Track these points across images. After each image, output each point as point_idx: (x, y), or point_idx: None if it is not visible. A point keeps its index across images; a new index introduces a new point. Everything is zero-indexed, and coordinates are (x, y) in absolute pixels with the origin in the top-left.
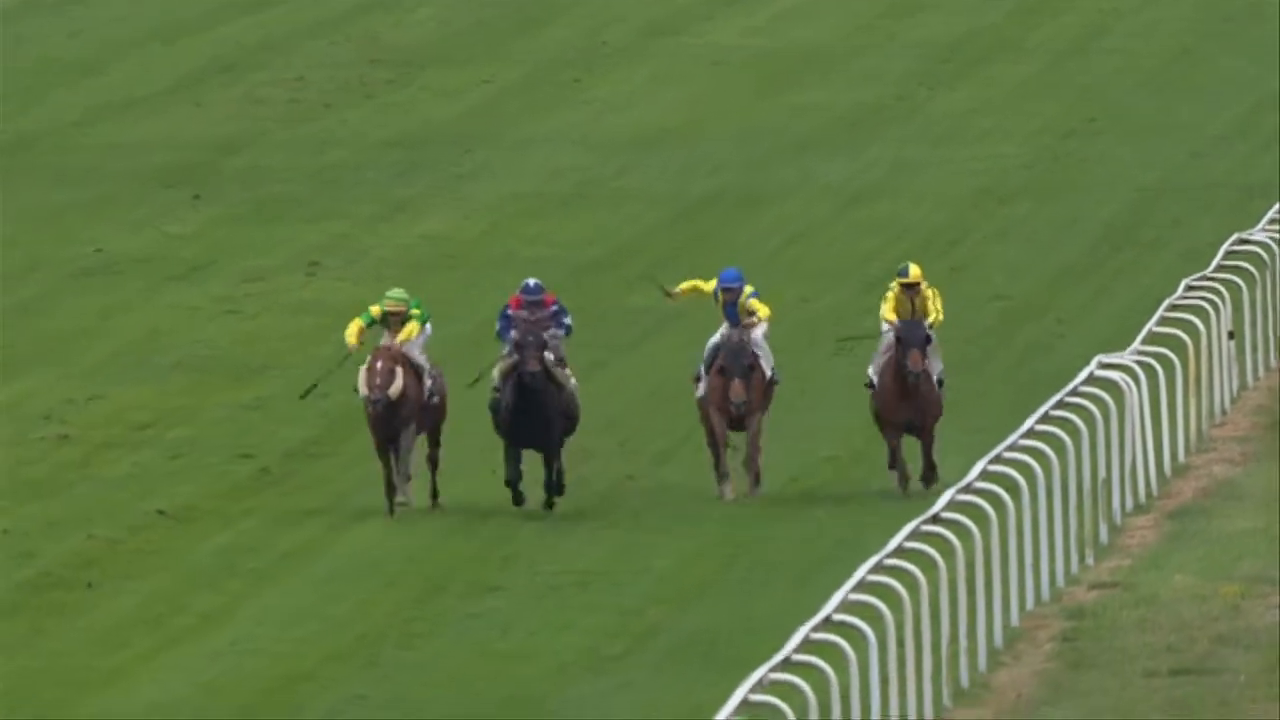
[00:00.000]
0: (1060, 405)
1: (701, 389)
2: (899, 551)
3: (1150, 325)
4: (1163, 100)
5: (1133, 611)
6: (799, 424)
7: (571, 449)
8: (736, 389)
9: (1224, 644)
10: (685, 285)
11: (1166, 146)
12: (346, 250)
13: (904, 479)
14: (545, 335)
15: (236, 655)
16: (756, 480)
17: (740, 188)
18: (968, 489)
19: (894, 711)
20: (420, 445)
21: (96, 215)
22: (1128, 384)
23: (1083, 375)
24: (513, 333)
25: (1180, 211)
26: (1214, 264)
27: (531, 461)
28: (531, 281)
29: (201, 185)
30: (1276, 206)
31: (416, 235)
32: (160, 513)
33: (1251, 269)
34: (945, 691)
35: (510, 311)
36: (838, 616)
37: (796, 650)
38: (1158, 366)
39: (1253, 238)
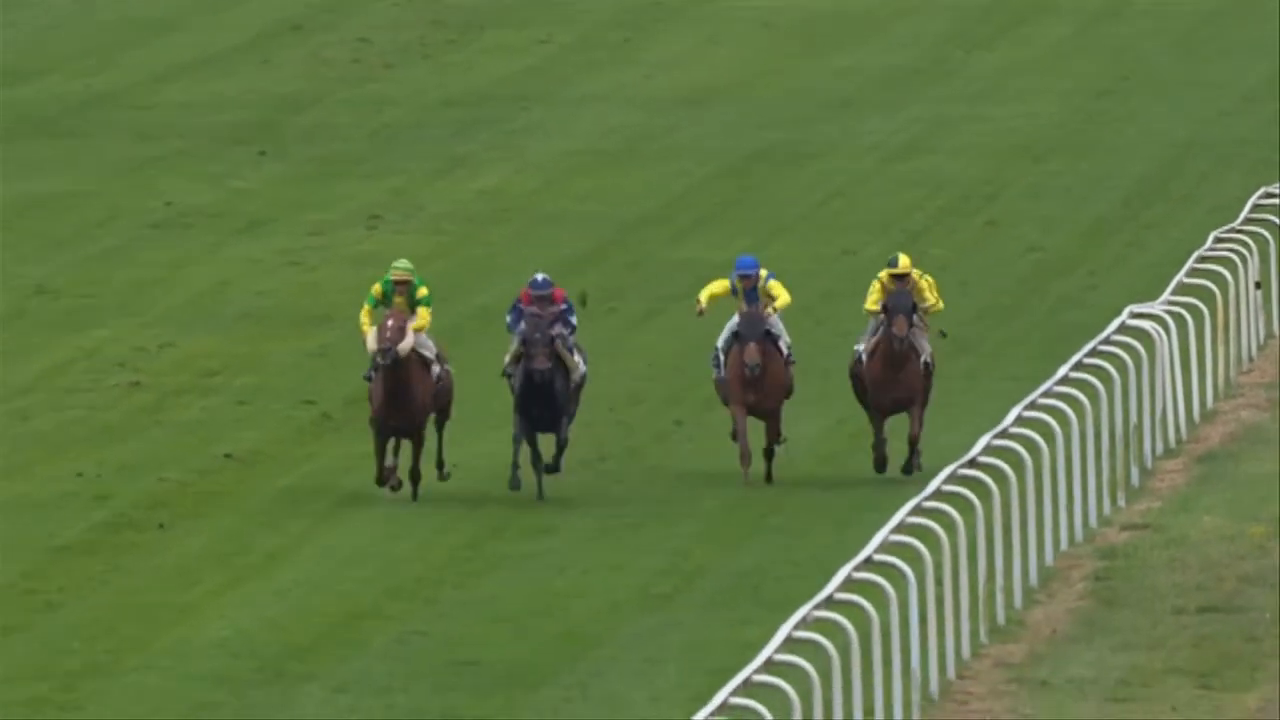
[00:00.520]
0: (1093, 354)
1: (720, 373)
2: (937, 495)
3: (1180, 276)
4: (1192, 61)
5: (1162, 552)
6: (841, 370)
7: (618, 397)
8: (751, 351)
9: (1250, 583)
10: (704, 295)
11: (1196, 105)
12: (405, 205)
13: (883, 462)
14: (552, 332)
15: (300, 592)
16: (769, 453)
17: (786, 144)
18: (1003, 434)
19: (932, 646)
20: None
21: (168, 170)
22: (1158, 333)
23: (1114, 325)
24: (522, 325)
25: (1208, 167)
26: (1241, 217)
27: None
28: (540, 276)
29: (267, 142)
30: None
31: (473, 190)
32: (228, 456)
33: (1278, 221)
34: (982, 628)
35: (521, 305)
36: (878, 557)
37: (839, 589)
38: (1187, 316)
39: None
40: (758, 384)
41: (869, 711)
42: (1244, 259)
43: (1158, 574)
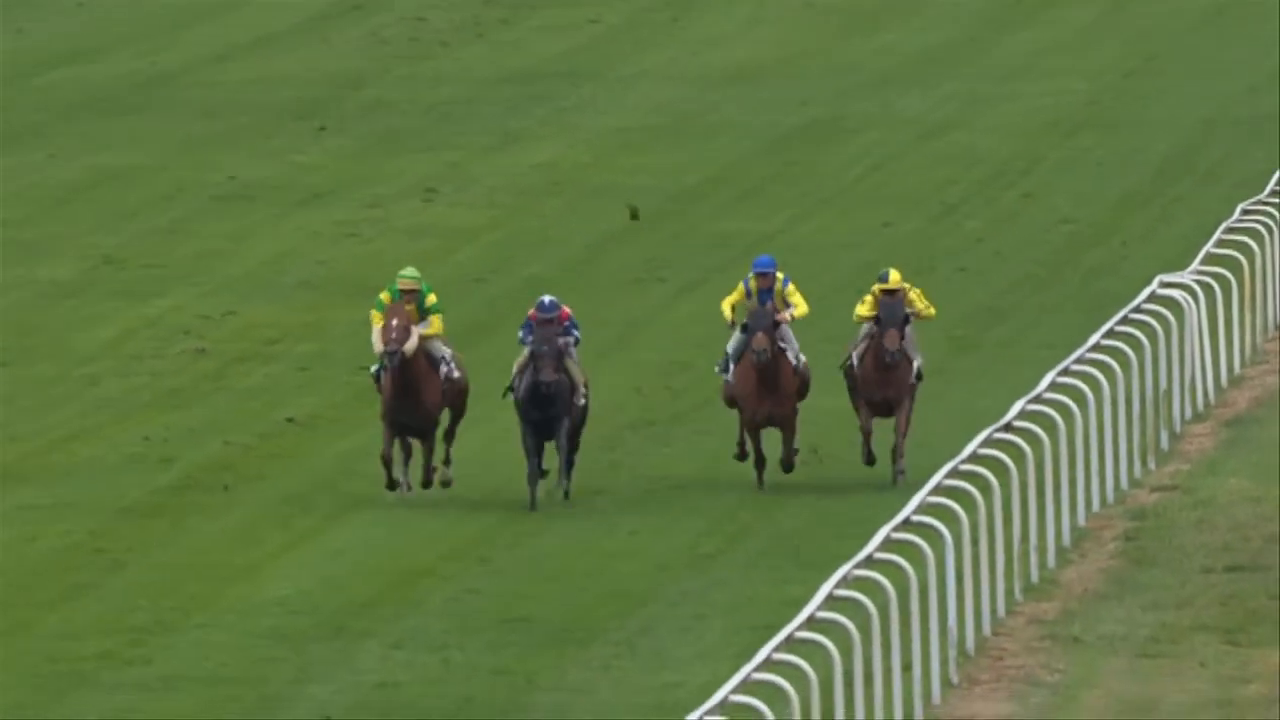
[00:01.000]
0: (1124, 322)
1: (727, 377)
2: (973, 458)
3: (1208, 247)
4: (1218, 40)
5: (1191, 513)
6: None
7: (665, 364)
8: (760, 339)
9: (1275, 542)
10: (726, 308)
11: (1222, 82)
12: (459, 179)
13: (870, 459)
14: (560, 344)
15: (358, 552)
16: (788, 466)
17: (827, 120)
18: (1038, 399)
19: (969, 604)
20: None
21: (231, 145)
22: (1187, 301)
23: (1145, 294)
24: (531, 339)
25: (1235, 142)
26: (1267, 189)
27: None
28: (547, 299)
29: (327, 118)
30: None
31: (525, 165)
32: (289, 420)
33: None
34: (1016, 586)
35: (532, 322)
36: (916, 518)
37: (878, 549)
38: (1215, 285)
39: None
40: (768, 390)
41: (907, 666)
42: (1270, 230)
43: (1186, 534)
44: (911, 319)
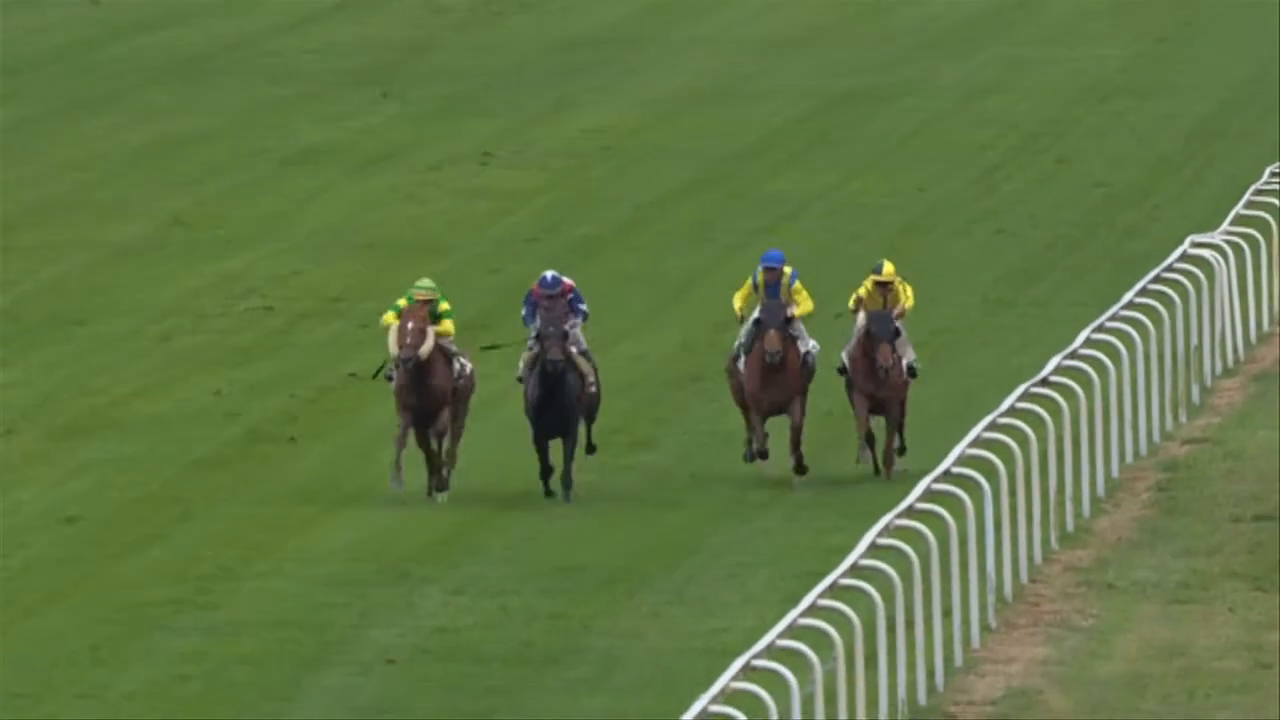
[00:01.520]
0: (1156, 280)
1: (740, 366)
2: (1011, 411)
3: (1238, 208)
4: (1249, 7)
5: (1221, 464)
6: (920, 297)
7: (714, 321)
8: (772, 339)
9: None
10: (736, 303)
11: (1252, 49)
12: (515, 143)
13: (871, 453)
14: (566, 326)
15: (419, 502)
16: (799, 468)
17: (869, 86)
18: (1073, 355)
19: (1006, 552)
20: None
21: (297, 110)
22: (1217, 261)
23: (1177, 253)
24: (536, 321)
25: (1265, 107)
26: None
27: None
28: (549, 275)
29: (389, 84)
30: None
31: (578, 129)
32: (351, 375)
33: None
34: (1052, 535)
35: (535, 298)
36: (956, 469)
37: (919, 499)
38: (1245, 245)
39: None
40: (775, 380)
41: (947, 612)
42: None
43: (1216, 485)
44: (902, 328)
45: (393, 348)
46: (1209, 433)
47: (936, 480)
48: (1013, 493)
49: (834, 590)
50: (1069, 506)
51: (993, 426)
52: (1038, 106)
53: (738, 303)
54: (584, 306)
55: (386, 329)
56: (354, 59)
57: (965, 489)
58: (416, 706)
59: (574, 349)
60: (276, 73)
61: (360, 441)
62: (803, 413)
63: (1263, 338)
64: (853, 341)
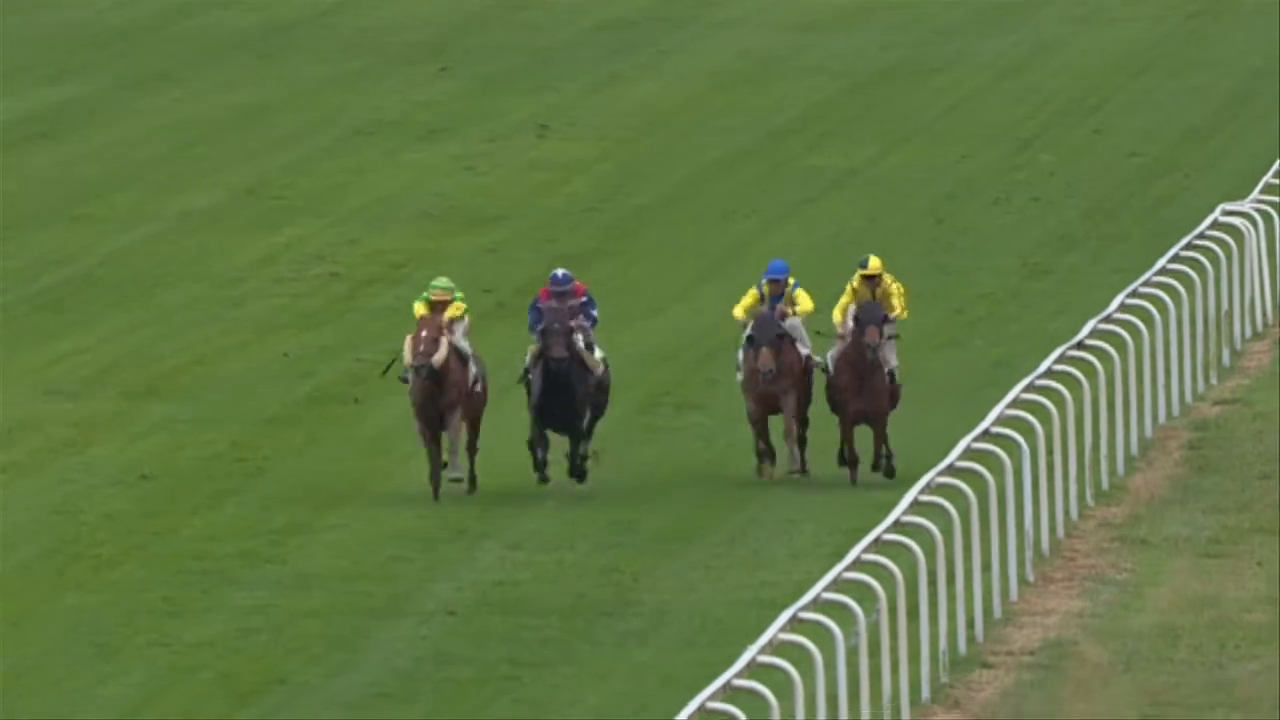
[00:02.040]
0: (1188, 247)
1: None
2: (1048, 374)
3: (1267, 177)
4: None
5: (1250, 424)
6: (960, 265)
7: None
8: (765, 357)
9: None
10: (739, 311)
11: (1277, 26)
12: (566, 116)
13: (854, 466)
14: (573, 323)
15: (480, 459)
16: (800, 463)
17: (908, 62)
18: (1108, 320)
19: (1043, 509)
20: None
21: (358, 85)
22: (1247, 228)
23: (1208, 221)
24: (540, 323)
25: None
26: None
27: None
28: (560, 272)
29: (448, 60)
30: None
31: (629, 103)
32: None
33: None
34: (1088, 491)
35: (540, 304)
36: (995, 429)
37: (959, 458)
38: (1273, 213)
39: None
40: (773, 383)
41: (986, 566)
42: None
43: (1245, 444)
44: (892, 319)
45: (407, 356)
46: (1238, 394)
47: (976, 440)
48: (1050, 451)
49: (878, 545)
50: (1104, 465)
51: (1030, 388)
52: (1073, 81)
53: (739, 313)
54: (595, 312)
55: (418, 319)
56: (414, 35)
57: (1004, 448)
58: (475, 657)
59: (580, 341)
60: (341, 49)
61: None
62: (798, 405)
63: None
64: (839, 347)
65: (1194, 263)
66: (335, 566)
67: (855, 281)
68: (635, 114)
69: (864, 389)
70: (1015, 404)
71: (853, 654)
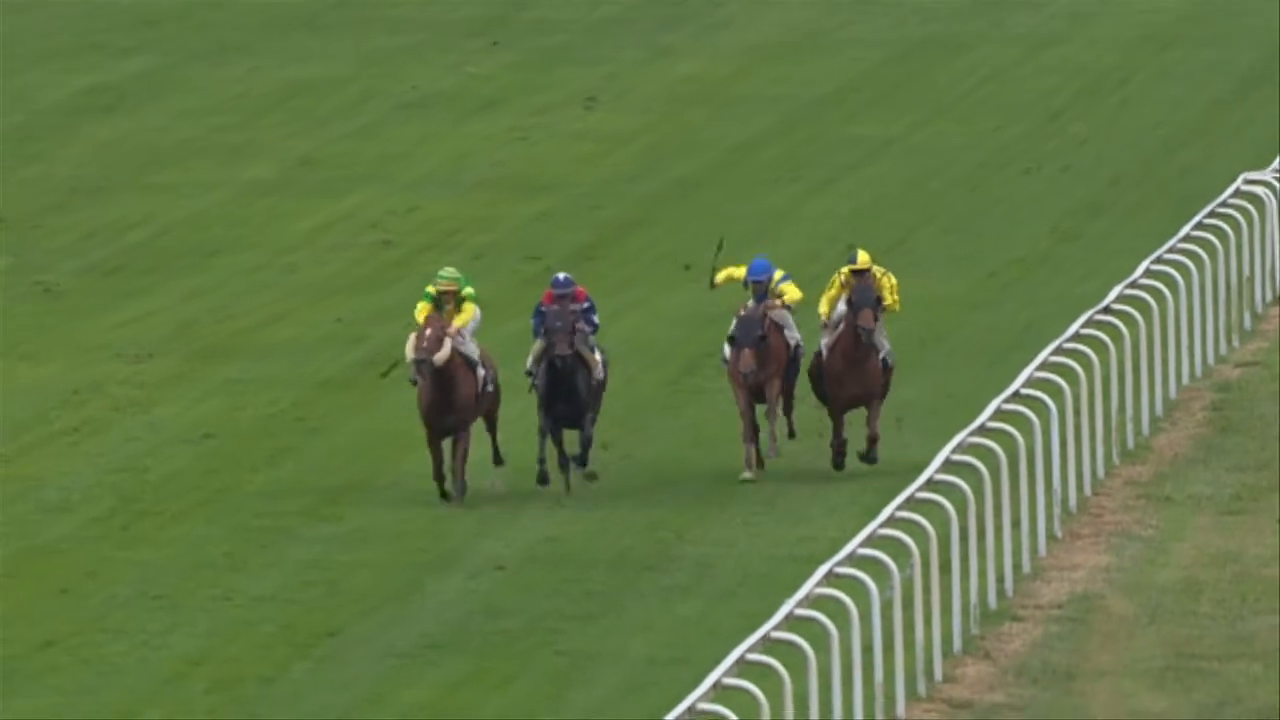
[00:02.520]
0: (1211, 215)
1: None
2: (1076, 337)
3: None
4: None
5: (1270, 385)
6: (993, 231)
7: (800, 253)
8: (745, 359)
9: None
10: (722, 276)
11: None
12: (616, 88)
13: (841, 455)
14: (574, 322)
15: (529, 421)
16: (789, 430)
17: (944, 35)
18: (1134, 284)
19: (1071, 467)
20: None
21: (414, 58)
22: (1268, 196)
23: (1230, 190)
24: (543, 326)
25: None
26: None
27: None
28: (561, 276)
29: (498, 34)
30: None
31: (675, 76)
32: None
33: None
34: (1114, 451)
35: (543, 308)
36: (1024, 391)
37: (989, 419)
38: None
39: None
40: (757, 371)
41: (1015, 523)
42: None
43: (1266, 405)
44: (883, 303)
45: (410, 353)
46: (1259, 356)
47: (1007, 401)
48: (1077, 412)
49: (911, 503)
50: (1129, 425)
51: (1059, 351)
52: (1101, 55)
53: (722, 276)
54: (596, 319)
55: (421, 318)
56: (467, 10)
57: (1033, 409)
58: (523, 609)
59: (579, 339)
60: (395, 23)
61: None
62: (780, 391)
63: None
64: (831, 333)
65: (1216, 230)
66: (388, 523)
67: (843, 275)
68: (680, 86)
69: (857, 373)
70: (1044, 366)
71: (887, 607)
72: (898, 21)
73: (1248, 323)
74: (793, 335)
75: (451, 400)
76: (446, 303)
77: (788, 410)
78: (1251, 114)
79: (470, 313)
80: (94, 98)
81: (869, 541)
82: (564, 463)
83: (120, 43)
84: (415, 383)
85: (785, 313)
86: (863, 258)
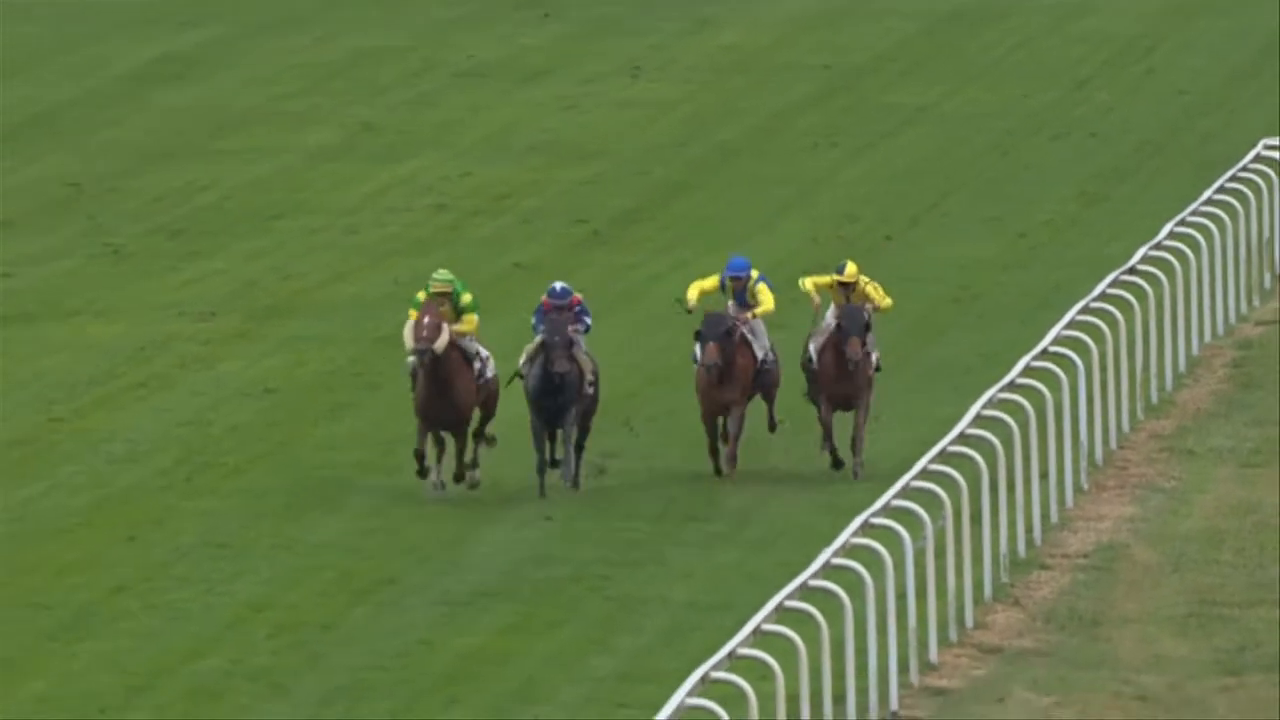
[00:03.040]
0: (1232, 179)
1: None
2: (1102, 297)
3: None
4: None
5: None
6: (1022, 194)
7: (839, 216)
8: (710, 351)
9: None
10: (694, 292)
11: None
12: (660, 58)
13: (834, 453)
14: (570, 332)
15: None
16: (732, 460)
17: (975, 7)
18: (1157, 246)
19: (1098, 421)
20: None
21: (469, 29)
22: None
23: (1250, 155)
24: (542, 328)
25: None
26: None
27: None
28: (559, 286)
29: (550, 6)
30: None
31: (717, 45)
32: (516, 266)
33: None
34: (1139, 406)
35: (544, 311)
36: (1053, 348)
37: (1019, 375)
38: None
39: None
40: (721, 381)
41: (1044, 475)
42: None
43: None
44: (872, 322)
45: (408, 342)
46: (1279, 315)
47: (1036, 358)
48: (1103, 369)
49: (943, 456)
50: (1153, 381)
51: (1086, 310)
52: (1127, 24)
53: (693, 293)
54: (588, 320)
55: (421, 303)
56: None
57: (1061, 366)
58: (571, 557)
59: (579, 348)
60: None
61: (523, 324)
62: (742, 420)
63: None
64: (821, 337)
65: (1237, 193)
66: (445, 472)
67: (829, 282)
68: (724, 55)
69: (845, 375)
70: (1072, 325)
71: (920, 556)
72: None
73: (1267, 282)
74: (761, 346)
75: (448, 394)
76: (440, 304)
77: (769, 401)
78: (1270, 83)
79: (472, 324)
80: (164, 67)
81: (903, 493)
82: (541, 466)
83: (189, 14)
84: (414, 375)
85: (758, 322)
86: (850, 269)
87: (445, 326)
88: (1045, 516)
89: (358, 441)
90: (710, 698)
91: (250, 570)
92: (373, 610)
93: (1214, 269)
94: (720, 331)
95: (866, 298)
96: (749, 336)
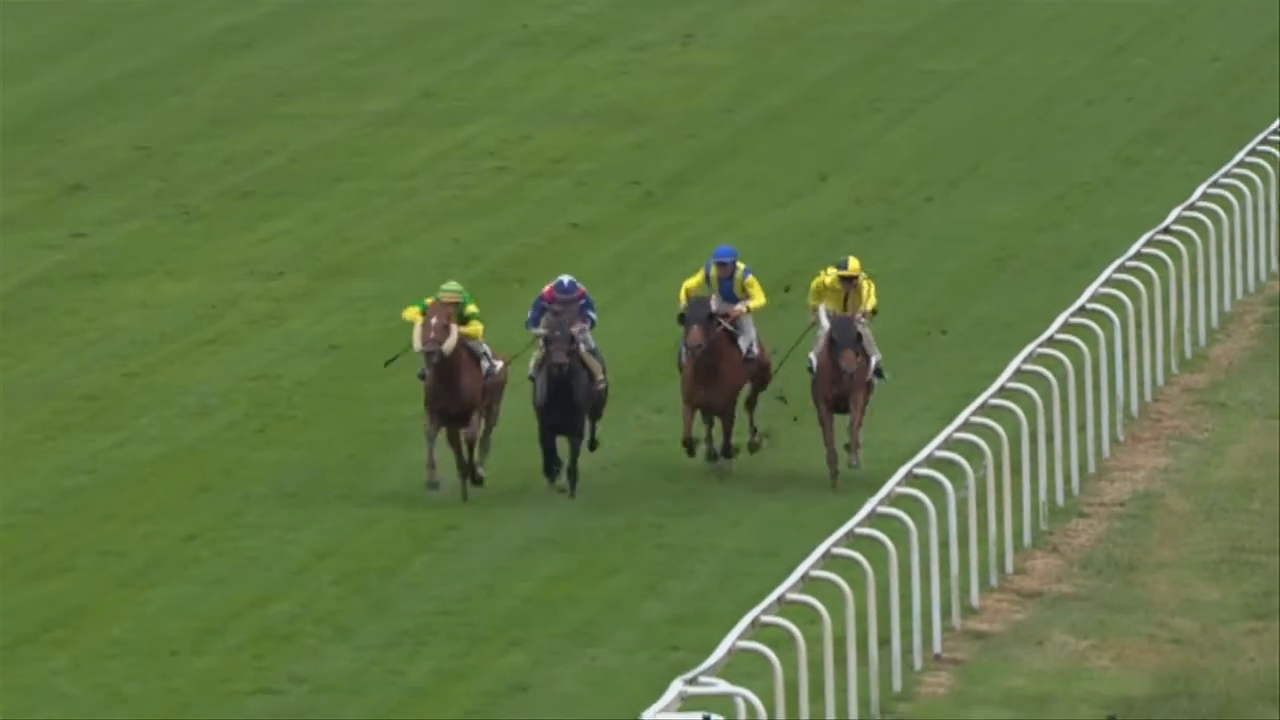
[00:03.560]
0: (1264, 143)
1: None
2: (1137, 255)
3: None
4: None
5: None
6: (1060, 157)
7: (882, 178)
8: (694, 334)
9: None
10: (681, 295)
11: None
12: (710, 26)
13: (833, 460)
14: (574, 330)
15: (632, 332)
16: (726, 453)
17: None
18: (1191, 207)
19: (1133, 376)
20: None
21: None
22: None
23: None
24: (541, 324)
25: None
26: None
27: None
28: (566, 280)
29: None
30: None
31: (764, 15)
32: (573, 226)
33: None
34: (1173, 360)
35: (544, 302)
36: (1090, 305)
37: (1058, 331)
38: None
39: None
40: (707, 381)
41: (1082, 427)
42: None
43: None
44: (865, 329)
45: (417, 343)
46: None
47: (1073, 315)
48: (1139, 325)
49: (984, 409)
50: (1187, 336)
51: (1122, 268)
52: None
53: (682, 295)
54: (593, 314)
55: (410, 324)
56: None
57: (1098, 322)
58: (625, 507)
59: (583, 348)
60: None
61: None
62: (732, 419)
63: None
64: (819, 345)
65: (1268, 155)
66: (502, 428)
67: (830, 278)
68: (769, 25)
69: (840, 382)
70: (1108, 283)
71: (962, 505)
72: None
73: None
74: (746, 340)
75: (456, 387)
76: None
77: (750, 407)
78: None
79: (478, 331)
80: (232, 35)
81: (945, 445)
82: (551, 467)
83: None
84: (423, 377)
85: (746, 318)
86: (853, 265)
87: (454, 328)
88: (1083, 467)
89: (418, 396)
90: (760, 641)
91: (316, 519)
92: (435, 557)
93: (1245, 228)
94: (704, 315)
95: (860, 295)
96: (733, 333)
